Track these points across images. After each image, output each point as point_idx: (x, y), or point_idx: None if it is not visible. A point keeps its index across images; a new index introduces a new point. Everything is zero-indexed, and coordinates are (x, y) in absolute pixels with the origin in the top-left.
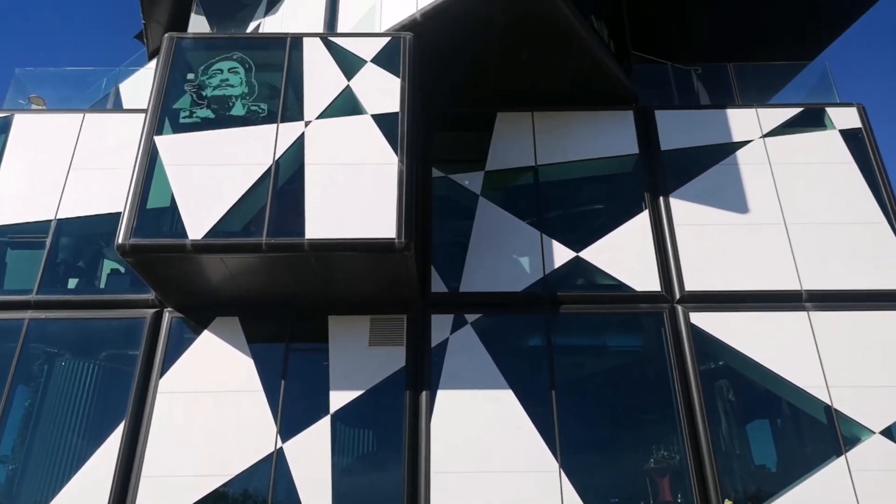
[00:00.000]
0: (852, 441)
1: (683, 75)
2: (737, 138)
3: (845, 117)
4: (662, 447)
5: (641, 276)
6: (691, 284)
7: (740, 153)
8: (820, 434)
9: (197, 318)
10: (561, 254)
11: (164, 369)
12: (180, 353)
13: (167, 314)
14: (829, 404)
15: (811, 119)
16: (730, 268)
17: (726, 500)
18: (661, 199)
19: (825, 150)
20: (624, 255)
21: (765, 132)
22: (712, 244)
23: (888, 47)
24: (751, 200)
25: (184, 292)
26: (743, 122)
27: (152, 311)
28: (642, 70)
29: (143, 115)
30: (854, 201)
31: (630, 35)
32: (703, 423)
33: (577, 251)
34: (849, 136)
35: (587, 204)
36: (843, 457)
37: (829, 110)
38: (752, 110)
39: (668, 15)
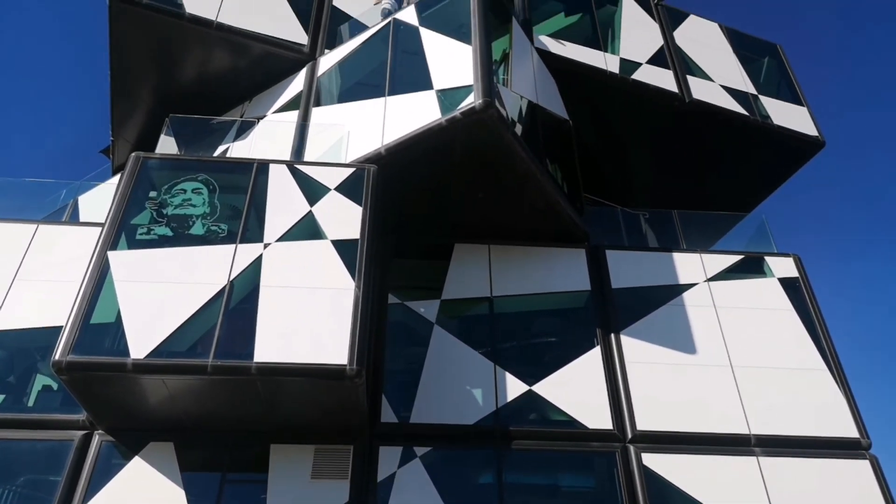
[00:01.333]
0: None
1: (632, 218)
2: (683, 281)
3: (783, 266)
4: None
5: (594, 412)
6: (643, 424)
7: (687, 295)
8: None
9: (129, 442)
10: (514, 386)
11: (86, 498)
12: (107, 481)
13: (97, 437)
14: None
15: (751, 266)
16: (681, 408)
17: None
18: (613, 335)
19: (766, 297)
20: (576, 390)
21: (709, 276)
22: (663, 383)
23: (822, 200)
24: (698, 342)
25: (118, 414)
26: (688, 265)
27: (81, 432)
28: (593, 211)
29: (99, 228)
30: (795, 348)
31: (582, 178)
32: None
33: (531, 384)
34: (787, 284)
35: (541, 337)
36: None
37: (768, 259)
38: (697, 255)
39: (617, 162)
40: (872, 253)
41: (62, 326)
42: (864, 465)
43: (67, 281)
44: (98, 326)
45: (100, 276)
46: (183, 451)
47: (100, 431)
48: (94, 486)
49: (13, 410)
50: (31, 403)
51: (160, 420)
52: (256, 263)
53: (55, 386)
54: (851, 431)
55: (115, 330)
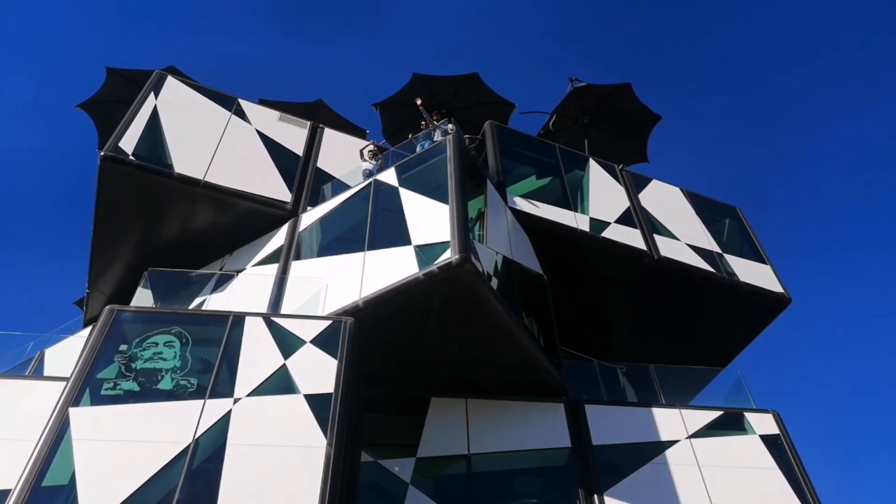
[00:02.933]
0: None
1: (610, 372)
2: (664, 437)
3: (763, 423)
4: None
5: None
6: None
7: (669, 453)
8: None
9: None
10: None
11: None
12: None
13: None
14: None
15: (731, 422)
16: None
17: None
18: (596, 497)
19: (748, 455)
20: None
21: (690, 433)
22: None
23: (794, 355)
24: (685, 503)
25: None
26: (669, 421)
27: None
28: (571, 365)
29: (64, 383)
30: None
31: (558, 332)
32: None
33: None
34: (769, 441)
35: (520, 498)
36: None
37: (748, 415)
38: (677, 411)
39: (592, 316)
40: (849, 404)
41: (10, 489)
42: None
43: (24, 440)
44: (50, 489)
45: (57, 435)
46: None
47: None
48: None
49: None
50: None
51: None
52: (225, 419)
53: None
54: None
55: (68, 493)
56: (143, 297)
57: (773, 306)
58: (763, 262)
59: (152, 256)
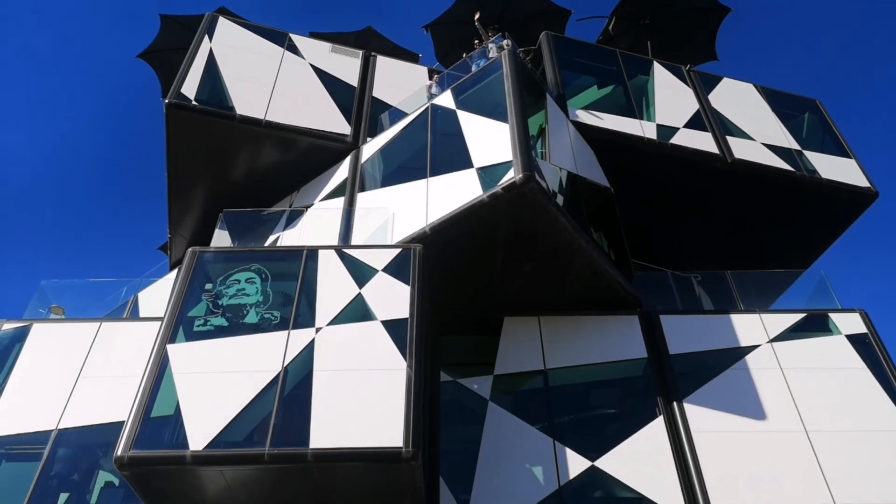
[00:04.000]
0: None
1: (684, 282)
2: (744, 343)
3: (849, 322)
4: None
5: (662, 488)
6: (718, 499)
7: (749, 358)
8: None
9: None
10: (575, 462)
11: None
12: None
13: None
14: None
15: (816, 324)
16: (756, 480)
17: None
18: (675, 404)
19: (835, 356)
20: (642, 464)
21: (771, 337)
22: (733, 453)
23: (883, 250)
24: (767, 407)
25: None
26: (748, 327)
27: None
28: (643, 277)
29: (159, 323)
30: (873, 408)
31: (628, 245)
32: None
33: (593, 459)
34: (856, 340)
35: (599, 409)
36: None
37: (833, 316)
38: (756, 316)
39: (664, 226)
40: None
41: (123, 422)
42: None
43: (129, 376)
44: (158, 420)
45: (159, 370)
46: None
47: None
48: None
49: None
50: (93, 501)
51: None
52: (309, 348)
53: (117, 482)
54: None
55: (174, 422)
56: (221, 239)
57: (859, 202)
58: (847, 155)
59: (225, 199)
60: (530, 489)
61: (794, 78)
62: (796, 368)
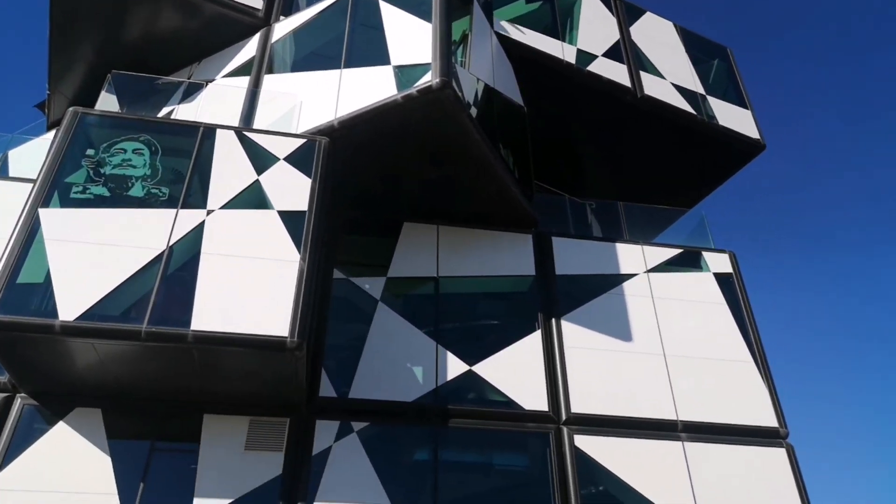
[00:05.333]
0: None
1: (579, 207)
2: (624, 270)
3: (719, 262)
4: None
5: (531, 394)
6: (577, 407)
7: (626, 285)
8: None
9: (53, 406)
10: (455, 366)
11: (4, 462)
12: (27, 445)
13: (19, 400)
14: None
15: (689, 260)
16: (614, 393)
17: None
18: (554, 321)
19: (701, 290)
20: (515, 372)
21: (649, 267)
22: (598, 368)
23: (757, 200)
24: (635, 330)
25: (43, 377)
26: (630, 256)
27: (2, 395)
28: (542, 199)
29: (31, 185)
30: (725, 340)
31: (533, 165)
32: None
33: (471, 364)
34: (721, 279)
35: (483, 319)
36: None
37: (705, 254)
38: (639, 246)
39: (568, 151)
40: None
41: None
42: (780, 453)
43: None
44: (26, 286)
45: (29, 234)
46: (111, 417)
47: (22, 395)
48: (14, 449)
49: None
50: None
51: (88, 385)
52: (198, 230)
53: None
54: (771, 421)
55: (43, 290)
56: (107, 102)
57: (748, 152)
58: (745, 106)
59: (116, 60)
60: (410, 387)
61: (715, 24)
62: (666, 298)
